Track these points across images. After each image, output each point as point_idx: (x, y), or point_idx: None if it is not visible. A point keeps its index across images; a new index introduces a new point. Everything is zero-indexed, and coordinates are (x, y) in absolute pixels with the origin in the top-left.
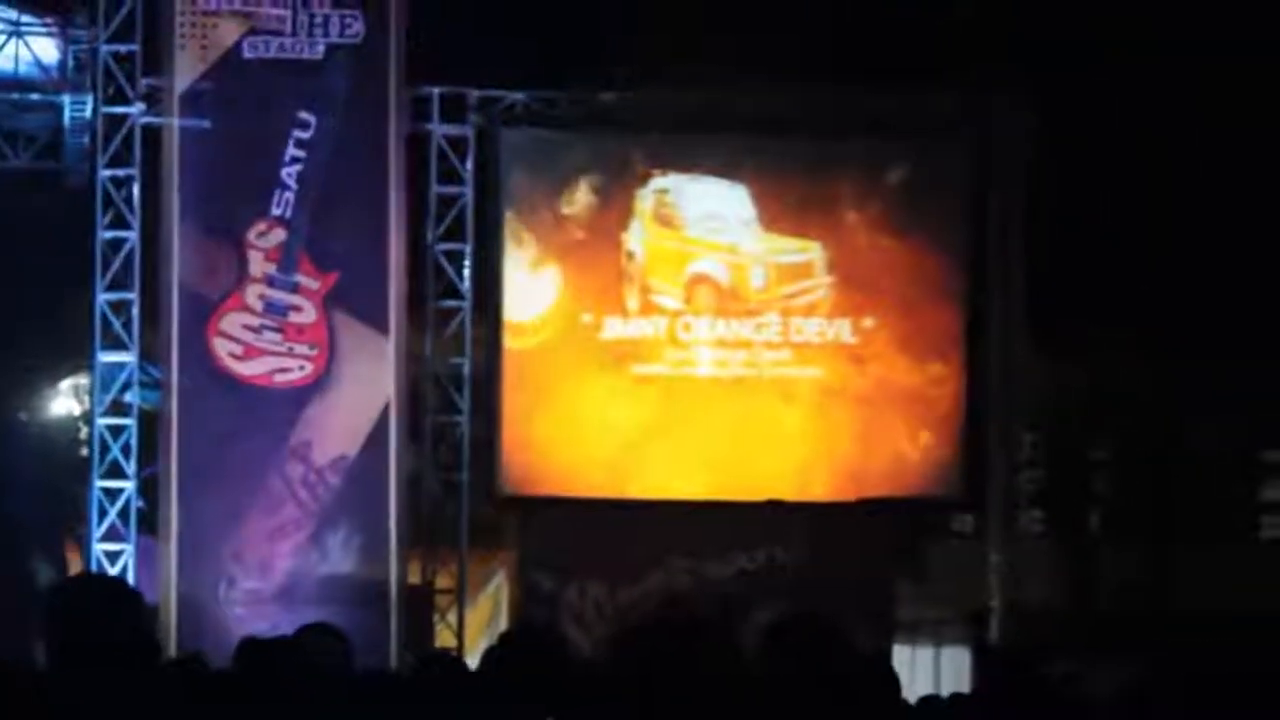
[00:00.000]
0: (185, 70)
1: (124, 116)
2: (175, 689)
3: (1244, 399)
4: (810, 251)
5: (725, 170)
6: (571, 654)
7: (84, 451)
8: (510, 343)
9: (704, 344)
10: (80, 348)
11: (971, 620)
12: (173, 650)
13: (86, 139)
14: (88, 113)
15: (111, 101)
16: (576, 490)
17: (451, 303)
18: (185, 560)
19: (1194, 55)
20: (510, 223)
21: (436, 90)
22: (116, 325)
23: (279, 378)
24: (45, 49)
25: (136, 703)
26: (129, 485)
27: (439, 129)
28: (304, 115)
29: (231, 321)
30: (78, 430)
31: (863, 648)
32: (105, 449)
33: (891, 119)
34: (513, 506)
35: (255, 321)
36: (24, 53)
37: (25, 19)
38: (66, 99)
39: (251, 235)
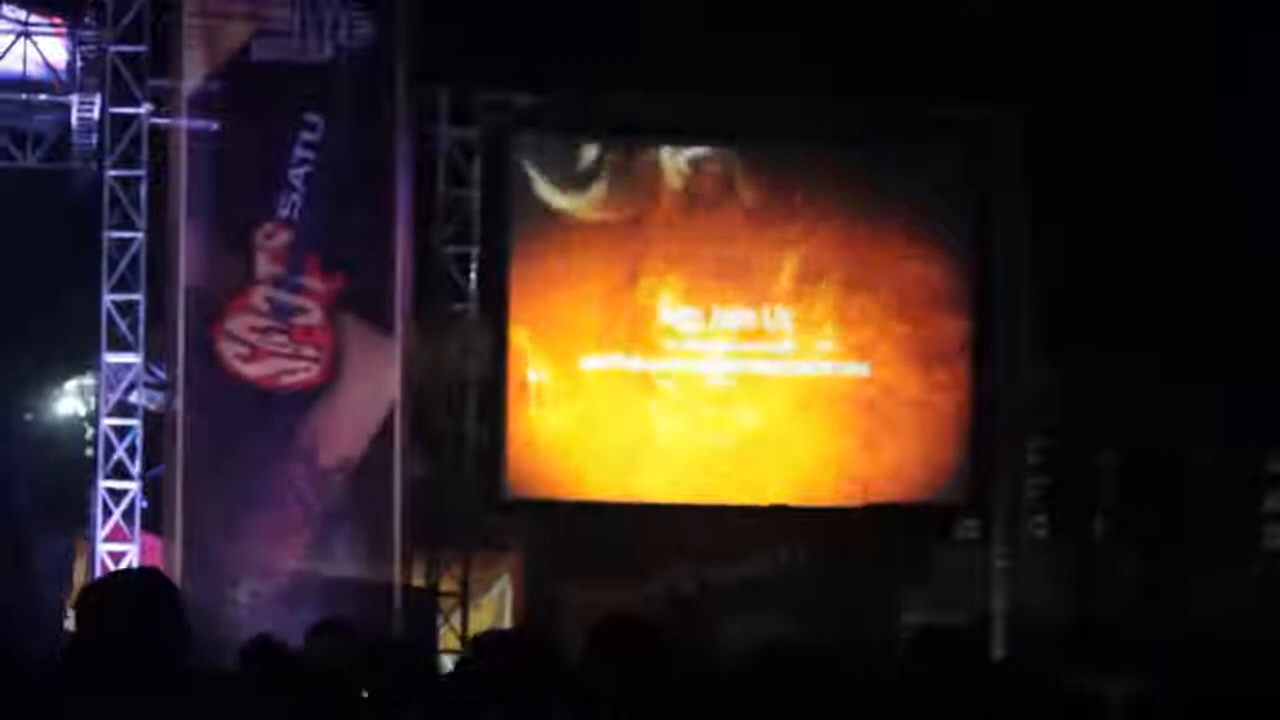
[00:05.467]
0: (193, 71)
1: (132, 117)
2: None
3: (1250, 408)
4: (816, 256)
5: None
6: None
7: (89, 452)
8: (516, 345)
9: (710, 349)
10: (86, 348)
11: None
12: None
13: (94, 140)
14: (95, 113)
15: (119, 102)
16: (581, 493)
17: (458, 305)
18: (189, 561)
19: (1195, 60)
20: (518, 225)
21: (445, 92)
22: (123, 326)
23: (285, 379)
24: (53, 50)
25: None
26: (134, 486)
27: (447, 131)
28: (311, 117)
29: (238, 323)
30: (83, 431)
31: (865, 652)
32: (110, 449)
33: (896, 127)
34: (517, 509)
35: (262, 323)
36: (32, 53)
37: (34, 20)
38: (74, 99)
39: (259, 237)
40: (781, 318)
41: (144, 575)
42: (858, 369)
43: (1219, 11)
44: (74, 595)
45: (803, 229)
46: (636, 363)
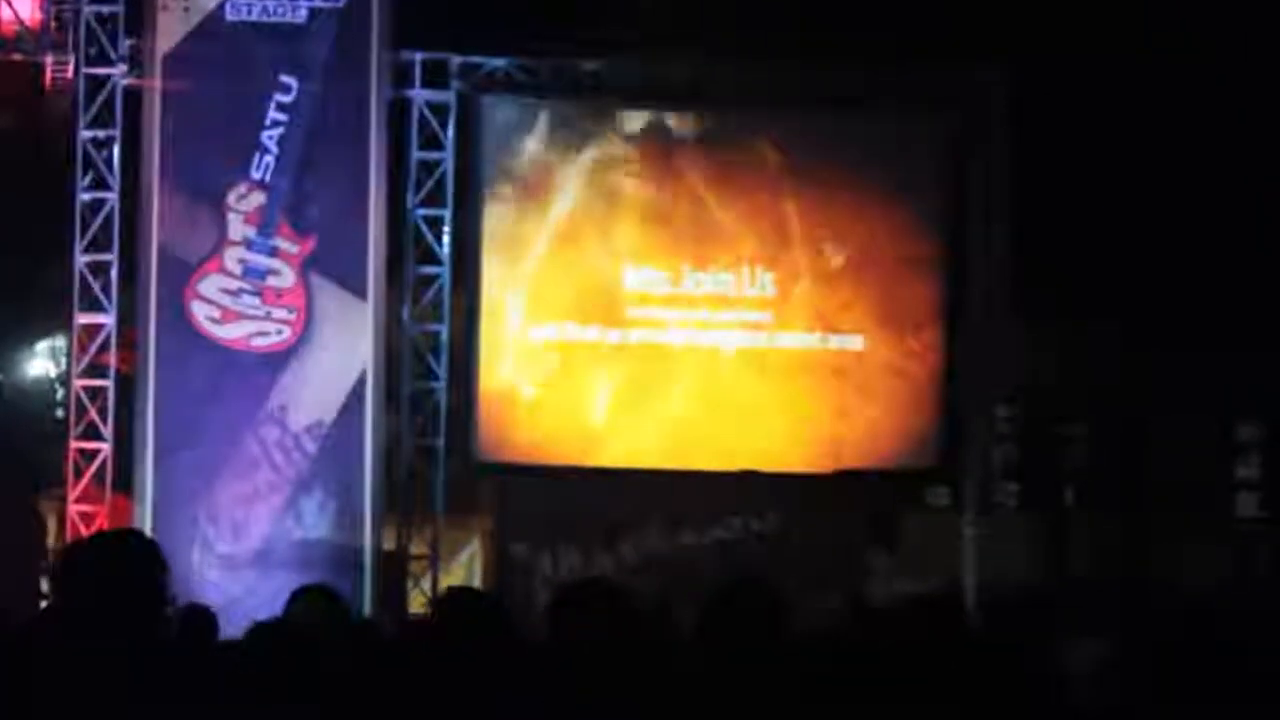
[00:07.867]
0: (167, 32)
1: (106, 78)
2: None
3: (1220, 375)
4: (790, 222)
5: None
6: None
7: (60, 413)
8: (488, 309)
9: (683, 312)
10: (58, 309)
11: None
12: None
13: (68, 100)
14: (69, 73)
15: (93, 63)
16: (552, 458)
17: (430, 269)
18: (159, 522)
19: (1177, 32)
20: (490, 189)
21: (419, 55)
22: (95, 287)
23: (256, 341)
24: (28, 9)
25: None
26: (105, 446)
27: (420, 94)
28: (285, 79)
29: (210, 284)
30: (54, 391)
31: (835, 618)
32: (82, 410)
33: (873, 90)
34: (488, 473)
35: (234, 285)
36: (6, 12)
37: None
38: (48, 60)
39: (231, 198)
40: (761, 281)
41: (129, 537)
42: (831, 336)
43: None
44: (48, 559)
45: (776, 194)
46: (605, 330)
